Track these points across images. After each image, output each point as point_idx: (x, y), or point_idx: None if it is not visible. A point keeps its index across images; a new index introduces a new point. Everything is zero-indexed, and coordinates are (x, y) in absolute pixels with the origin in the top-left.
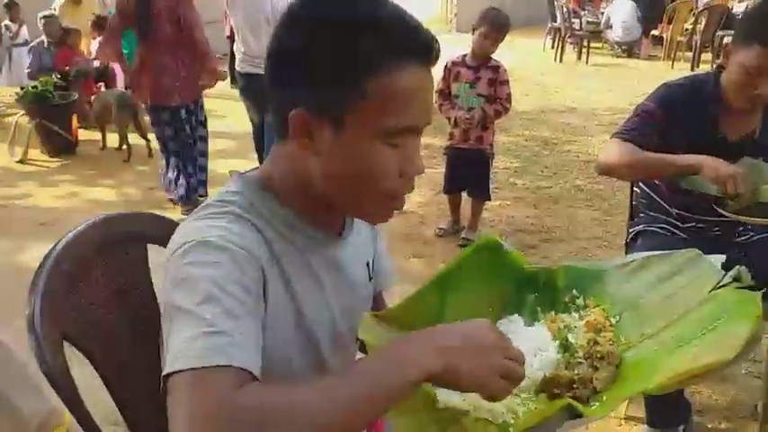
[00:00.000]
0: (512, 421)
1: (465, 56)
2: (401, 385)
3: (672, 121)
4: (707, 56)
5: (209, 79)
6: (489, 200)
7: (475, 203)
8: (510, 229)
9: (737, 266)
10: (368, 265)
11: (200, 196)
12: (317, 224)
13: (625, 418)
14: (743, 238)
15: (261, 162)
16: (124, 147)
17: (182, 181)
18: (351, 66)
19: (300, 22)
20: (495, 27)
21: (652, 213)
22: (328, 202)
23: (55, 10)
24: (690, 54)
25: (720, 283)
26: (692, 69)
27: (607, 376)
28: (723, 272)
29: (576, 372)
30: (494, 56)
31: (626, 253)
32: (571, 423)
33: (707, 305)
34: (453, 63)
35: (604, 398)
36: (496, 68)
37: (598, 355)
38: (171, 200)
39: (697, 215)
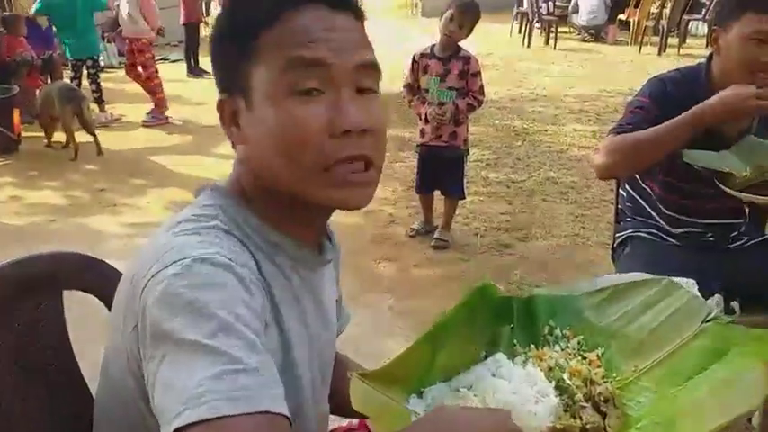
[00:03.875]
0: None
1: (433, 47)
2: None
3: (666, 116)
4: (673, 40)
5: None
6: (464, 198)
7: (448, 203)
8: (484, 227)
9: (717, 294)
10: (337, 302)
11: None
12: (295, 239)
13: None
14: (737, 243)
15: None
16: (71, 145)
17: None
18: (237, 28)
19: None
20: (461, 10)
21: (639, 218)
22: (288, 201)
23: None
24: (657, 39)
25: (710, 316)
26: (660, 54)
27: (618, 421)
28: (706, 302)
29: (584, 420)
30: (461, 44)
31: (612, 258)
32: None
33: (701, 339)
34: (421, 55)
35: None
36: (467, 59)
37: (602, 398)
38: None
39: (692, 218)
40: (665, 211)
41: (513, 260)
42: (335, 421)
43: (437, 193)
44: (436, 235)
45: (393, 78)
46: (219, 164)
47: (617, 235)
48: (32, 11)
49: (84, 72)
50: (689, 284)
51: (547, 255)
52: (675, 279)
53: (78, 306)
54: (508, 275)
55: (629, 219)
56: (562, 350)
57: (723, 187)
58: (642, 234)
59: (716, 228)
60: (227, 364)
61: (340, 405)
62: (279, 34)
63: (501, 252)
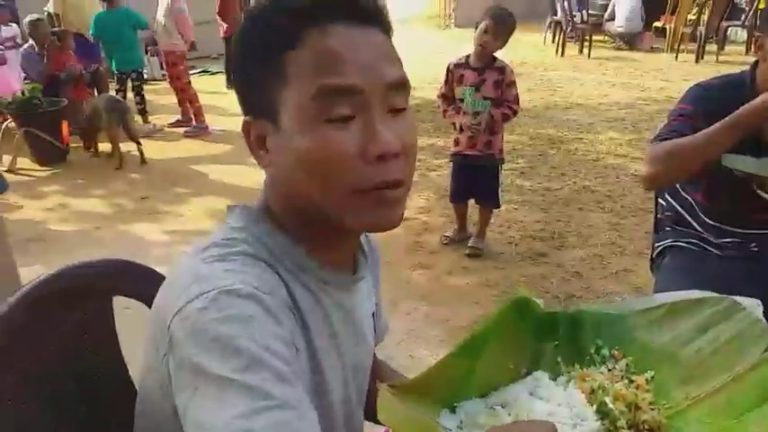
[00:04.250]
0: None
1: (468, 57)
2: None
3: (710, 123)
4: (711, 47)
5: None
6: (498, 207)
7: (483, 211)
8: (519, 235)
9: None
10: (373, 315)
11: None
12: (326, 260)
13: None
14: None
15: None
16: (116, 154)
17: None
18: (260, 50)
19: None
20: (495, 20)
21: (679, 228)
22: (319, 224)
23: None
24: (693, 46)
25: None
26: (697, 61)
27: None
28: None
29: None
30: (496, 54)
31: (651, 268)
32: None
33: (763, 368)
34: (456, 65)
35: None
36: (502, 69)
37: (646, 426)
38: None
39: (734, 227)
40: (707, 220)
41: (548, 269)
42: (373, 428)
43: (471, 201)
44: (470, 243)
45: (428, 87)
46: (258, 172)
47: (656, 245)
48: (91, 37)
49: (129, 84)
50: (753, 305)
51: (582, 264)
52: (738, 299)
53: (128, 311)
54: (543, 284)
55: (668, 228)
56: (609, 371)
57: (761, 193)
58: (682, 244)
59: (760, 237)
60: (256, 401)
61: (371, 411)
62: (305, 57)
63: (536, 261)
